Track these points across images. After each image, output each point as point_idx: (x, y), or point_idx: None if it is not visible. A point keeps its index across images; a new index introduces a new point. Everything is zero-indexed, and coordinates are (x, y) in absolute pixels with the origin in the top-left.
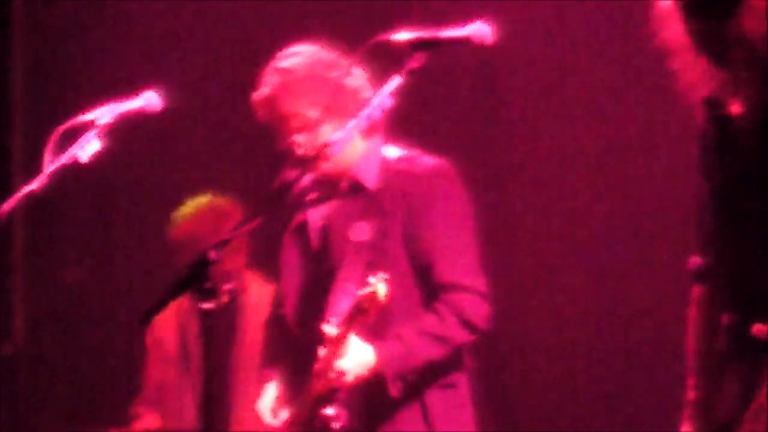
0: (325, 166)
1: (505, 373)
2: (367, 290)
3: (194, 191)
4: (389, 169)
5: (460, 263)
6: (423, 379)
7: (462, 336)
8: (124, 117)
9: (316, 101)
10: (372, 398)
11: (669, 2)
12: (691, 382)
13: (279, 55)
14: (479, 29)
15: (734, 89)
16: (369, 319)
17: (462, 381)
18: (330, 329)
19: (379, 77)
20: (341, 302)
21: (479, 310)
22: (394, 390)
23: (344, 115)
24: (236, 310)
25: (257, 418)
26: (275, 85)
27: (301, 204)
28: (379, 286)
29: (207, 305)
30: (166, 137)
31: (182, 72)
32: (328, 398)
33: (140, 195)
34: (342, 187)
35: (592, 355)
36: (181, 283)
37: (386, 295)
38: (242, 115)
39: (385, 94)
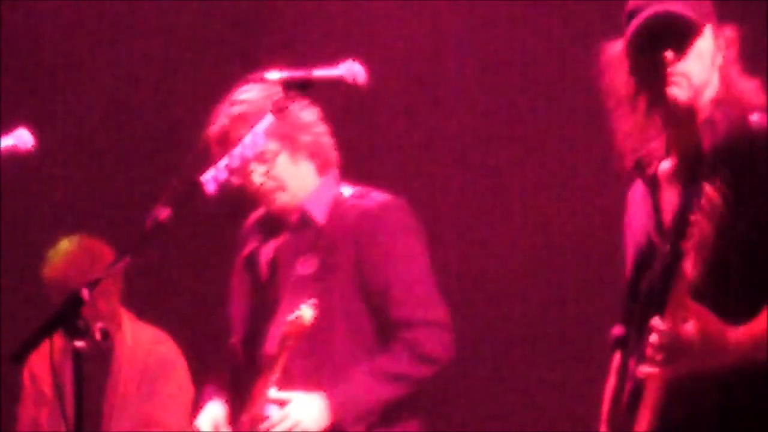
0: (279, 200)
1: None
2: (293, 316)
3: (67, 231)
4: (340, 206)
5: (414, 297)
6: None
7: (420, 371)
8: None
9: (271, 132)
10: None
11: (617, 47)
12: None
13: (234, 92)
14: (351, 68)
15: (668, 142)
16: (296, 344)
17: (412, 420)
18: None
19: None
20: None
21: (438, 342)
22: (355, 430)
23: (298, 148)
24: (110, 350)
25: None
26: (232, 117)
27: (252, 234)
28: (305, 310)
29: (79, 344)
30: (38, 175)
31: (57, 109)
32: None
33: (12, 233)
34: (292, 221)
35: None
36: (53, 321)
37: (312, 319)
38: (117, 155)
39: (258, 133)
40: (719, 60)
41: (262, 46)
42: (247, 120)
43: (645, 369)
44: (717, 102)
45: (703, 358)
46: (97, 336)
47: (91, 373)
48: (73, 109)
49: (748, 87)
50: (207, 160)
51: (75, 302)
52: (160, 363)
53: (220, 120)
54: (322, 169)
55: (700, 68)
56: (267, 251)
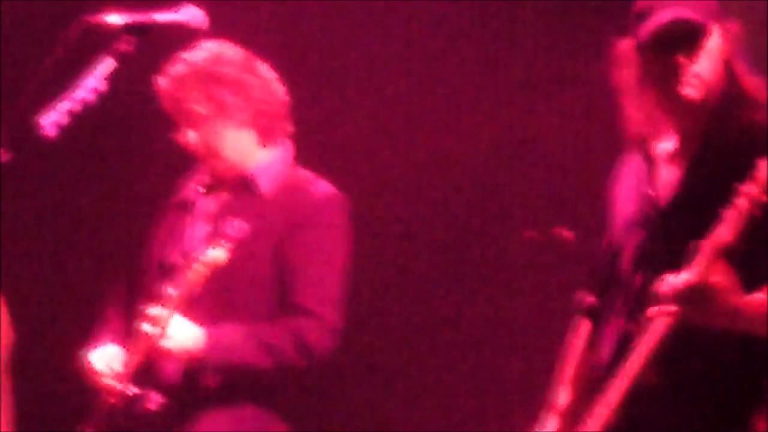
0: (213, 165)
1: None
2: (203, 253)
3: None
4: (287, 183)
5: (319, 291)
6: (241, 386)
7: (293, 356)
8: None
9: (206, 97)
10: (193, 389)
11: (628, 44)
12: (558, 389)
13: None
14: (193, 13)
15: (674, 128)
16: (201, 283)
17: (282, 409)
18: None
19: (90, 59)
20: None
21: (322, 340)
22: (211, 379)
23: (233, 114)
24: None
25: None
26: (172, 76)
27: (192, 181)
28: (218, 250)
29: None
30: None
31: None
32: (145, 374)
33: None
34: (234, 183)
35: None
36: None
37: (224, 260)
38: None
39: (97, 77)
40: (725, 54)
41: None
42: (184, 81)
43: (656, 310)
44: (724, 95)
45: (714, 314)
46: None
47: None
48: None
49: (753, 84)
50: (45, 103)
51: None
52: None
53: (164, 77)
54: (265, 138)
55: (711, 67)
56: (204, 205)
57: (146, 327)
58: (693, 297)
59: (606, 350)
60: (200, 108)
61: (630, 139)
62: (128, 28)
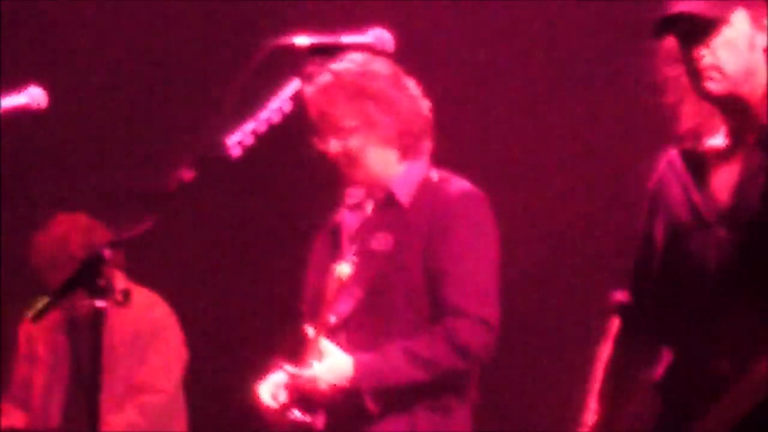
0: (354, 177)
1: None
2: (335, 273)
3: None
4: (426, 190)
5: (471, 289)
6: (408, 398)
7: (452, 362)
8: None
9: (354, 111)
10: (357, 409)
11: (671, 40)
12: (594, 405)
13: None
14: (380, 36)
15: (717, 122)
16: (333, 299)
17: (460, 410)
18: (310, 330)
19: (280, 81)
20: (342, 304)
21: (478, 339)
22: (371, 404)
23: (378, 129)
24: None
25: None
26: (320, 85)
27: (342, 205)
28: (343, 266)
29: (100, 303)
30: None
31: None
32: (305, 400)
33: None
34: (377, 198)
35: None
36: (73, 281)
37: (349, 275)
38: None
39: (284, 99)
40: (762, 42)
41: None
42: (334, 91)
43: None
44: None
45: None
46: (119, 297)
47: (83, 335)
48: (79, 70)
49: None
50: (232, 123)
51: (96, 262)
52: (153, 327)
53: (312, 85)
54: (406, 154)
55: (733, 57)
56: (350, 224)
57: (289, 368)
58: None
59: (660, 368)
60: (347, 121)
61: (681, 136)
62: (315, 50)
